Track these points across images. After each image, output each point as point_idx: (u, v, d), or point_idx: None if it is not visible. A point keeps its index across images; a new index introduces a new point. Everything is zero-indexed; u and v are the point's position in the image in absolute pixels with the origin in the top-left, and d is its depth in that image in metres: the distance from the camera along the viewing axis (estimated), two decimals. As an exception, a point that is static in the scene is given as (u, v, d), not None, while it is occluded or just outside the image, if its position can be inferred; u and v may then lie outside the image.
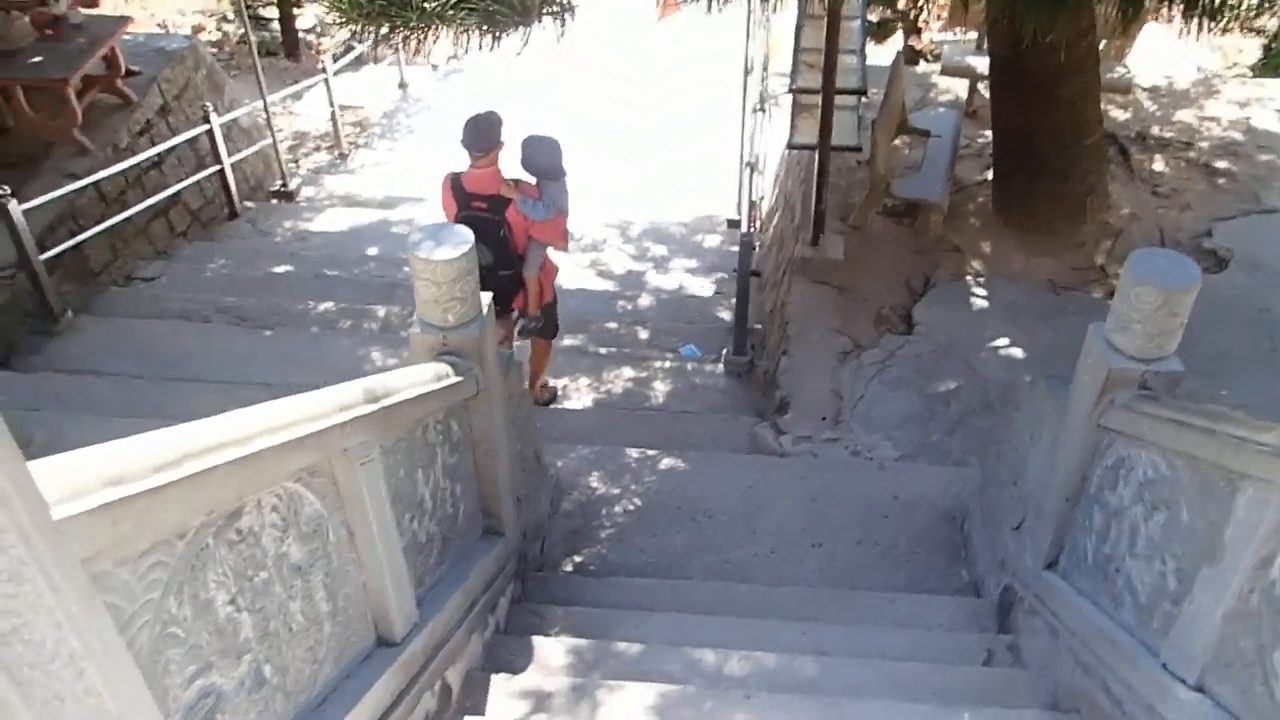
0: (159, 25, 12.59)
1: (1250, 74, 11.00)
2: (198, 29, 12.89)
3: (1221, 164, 7.37)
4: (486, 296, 3.22)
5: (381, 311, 6.84)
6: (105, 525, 1.27)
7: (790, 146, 6.81)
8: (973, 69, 7.88)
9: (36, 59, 7.12)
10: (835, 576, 4.54)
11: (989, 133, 7.24)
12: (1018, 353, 5.92)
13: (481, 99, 5.15)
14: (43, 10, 7.36)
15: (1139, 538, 2.96)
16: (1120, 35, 8.00)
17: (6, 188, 5.86)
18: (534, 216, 4.98)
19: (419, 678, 2.62)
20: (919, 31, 12.84)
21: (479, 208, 4.96)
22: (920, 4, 10.68)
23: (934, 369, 5.80)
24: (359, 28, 4.58)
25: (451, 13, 4.34)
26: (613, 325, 7.12)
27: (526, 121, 5.40)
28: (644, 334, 7.06)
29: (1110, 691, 2.98)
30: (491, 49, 4.34)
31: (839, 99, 5.93)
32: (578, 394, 6.27)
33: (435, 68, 12.91)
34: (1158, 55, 8.95)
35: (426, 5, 4.35)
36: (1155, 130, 7.81)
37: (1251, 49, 12.11)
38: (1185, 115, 8.05)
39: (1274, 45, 10.88)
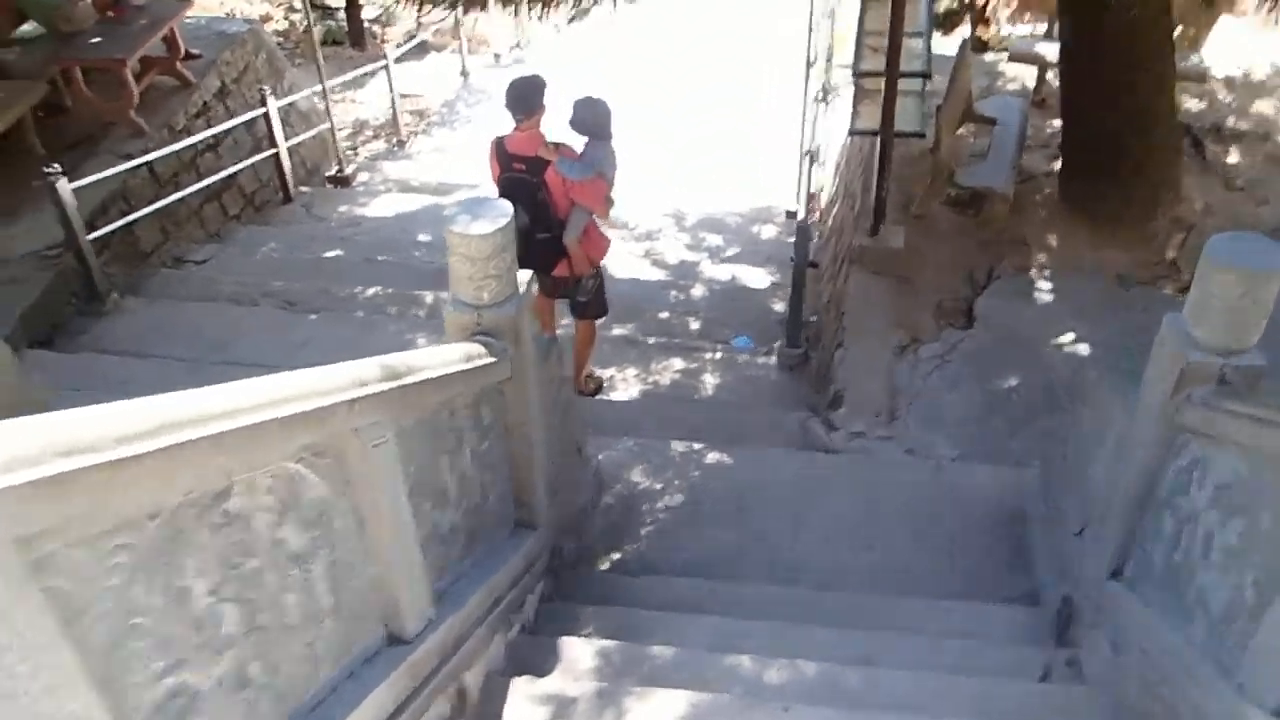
0: (226, 15, 12.73)
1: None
2: (265, 18, 13.00)
3: (1299, 157, 7.09)
4: (525, 274, 3.09)
5: (429, 298, 6.78)
6: (50, 501, 1.15)
7: (852, 132, 6.62)
8: (1042, 56, 7.67)
9: (96, 40, 7.17)
10: (886, 581, 4.37)
11: (1057, 122, 7.07)
12: (1084, 349, 5.70)
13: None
14: (107, -9, 7.42)
15: (1214, 546, 2.77)
16: (1199, 21, 7.68)
17: (56, 165, 5.88)
18: (571, 177, 4.97)
19: (431, 680, 2.48)
20: (987, 22, 12.53)
21: (519, 169, 5.03)
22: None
23: (995, 365, 5.60)
24: (418, 4, 4.54)
25: None
26: (664, 315, 7.01)
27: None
28: (695, 324, 6.94)
29: (1178, 714, 2.78)
30: (541, 18, 4.25)
31: (902, 84, 5.74)
32: (625, 385, 6.15)
33: (498, 57, 12.86)
34: (1233, 48, 8.59)
35: None
36: (1231, 121, 7.56)
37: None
38: (1263, 106, 7.79)
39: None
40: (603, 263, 5.54)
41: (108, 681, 1.34)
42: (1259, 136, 7.35)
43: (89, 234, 6.25)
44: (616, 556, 4.52)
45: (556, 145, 5.02)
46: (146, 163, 6.96)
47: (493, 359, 2.85)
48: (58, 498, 1.16)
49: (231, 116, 8.07)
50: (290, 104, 8.89)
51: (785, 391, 6.13)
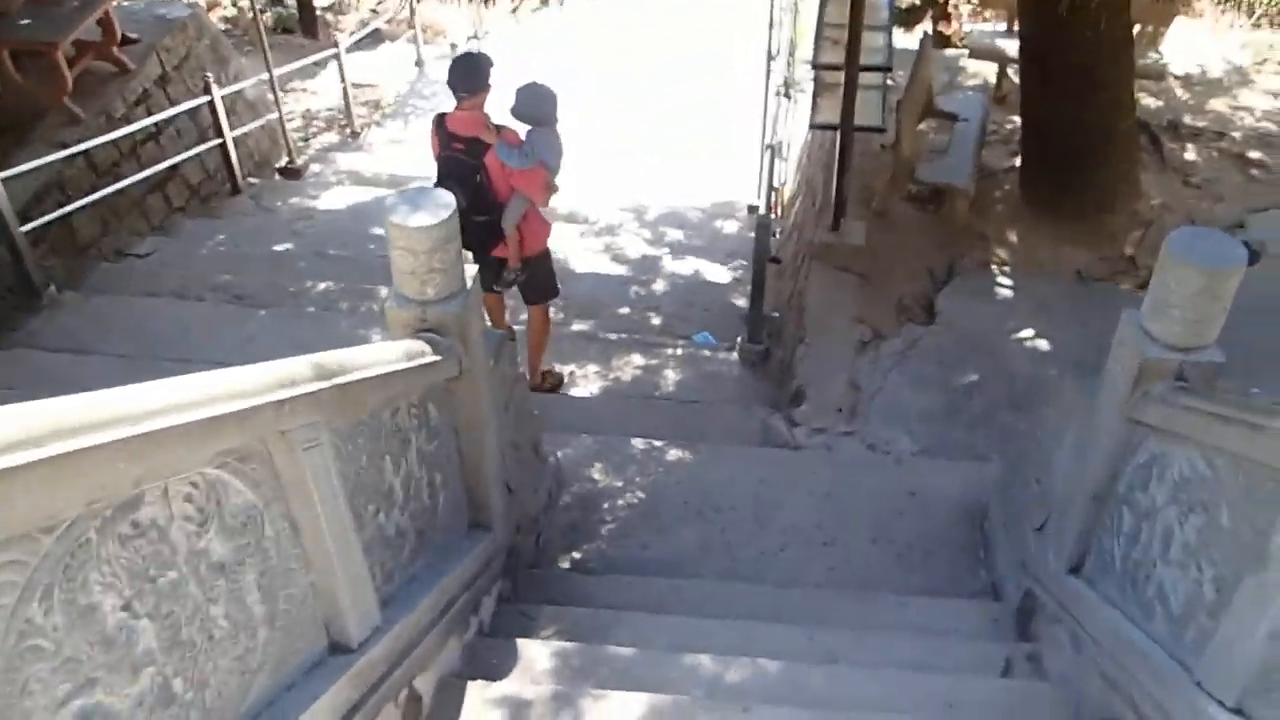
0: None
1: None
2: (213, 4, 12.70)
3: (1256, 154, 7.19)
4: (471, 269, 2.99)
5: (384, 293, 6.57)
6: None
7: (812, 126, 6.57)
8: (1002, 52, 7.67)
9: (25, 22, 6.89)
10: (848, 577, 4.34)
11: (1017, 118, 7.08)
12: (1044, 345, 5.72)
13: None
14: (33, -29, 7.12)
15: (1173, 542, 2.75)
16: (1157, 19, 7.72)
17: (-17, 155, 5.66)
18: (510, 164, 4.86)
19: (379, 687, 2.37)
20: (948, 17, 12.54)
21: (458, 149, 4.93)
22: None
23: (956, 360, 5.60)
24: None
25: None
26: (625, 311, 6.93)
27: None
28: (657, 320, 6.86)
29: (1139, 710, 2.77)
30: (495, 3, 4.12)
31: (863, 78, 5.70)
32: (585, 381, 6.05)
33: (454, 47, 12.66)
34: (1188, 49, 8.68)
35: None
36: (1188, 119, 7.63)
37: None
38: (1219, 104, 7.87)
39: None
40: (551, 245, 5.43)
41: (4, 709, 1.22)
42: (1215, 134, 7.41)
43: (23, 225, 6.02)
44: (576, 555, 4.45)
45: (499, 128, 4.90)
46: (83, 151, 6.72)
47: (438, 357, 2.74)
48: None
49: (174, 105, 7.82)
50: (237, 92, 8.66)
51: (747, 388, 6.07)
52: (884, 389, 5.44)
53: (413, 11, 11.95)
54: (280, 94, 8.92)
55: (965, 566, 4.37)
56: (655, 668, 3.27)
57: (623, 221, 8.64)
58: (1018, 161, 6.89)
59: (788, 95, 7.75)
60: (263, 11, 11.41)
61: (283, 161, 9.27)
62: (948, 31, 11.97)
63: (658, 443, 5.03)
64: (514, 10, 13.72)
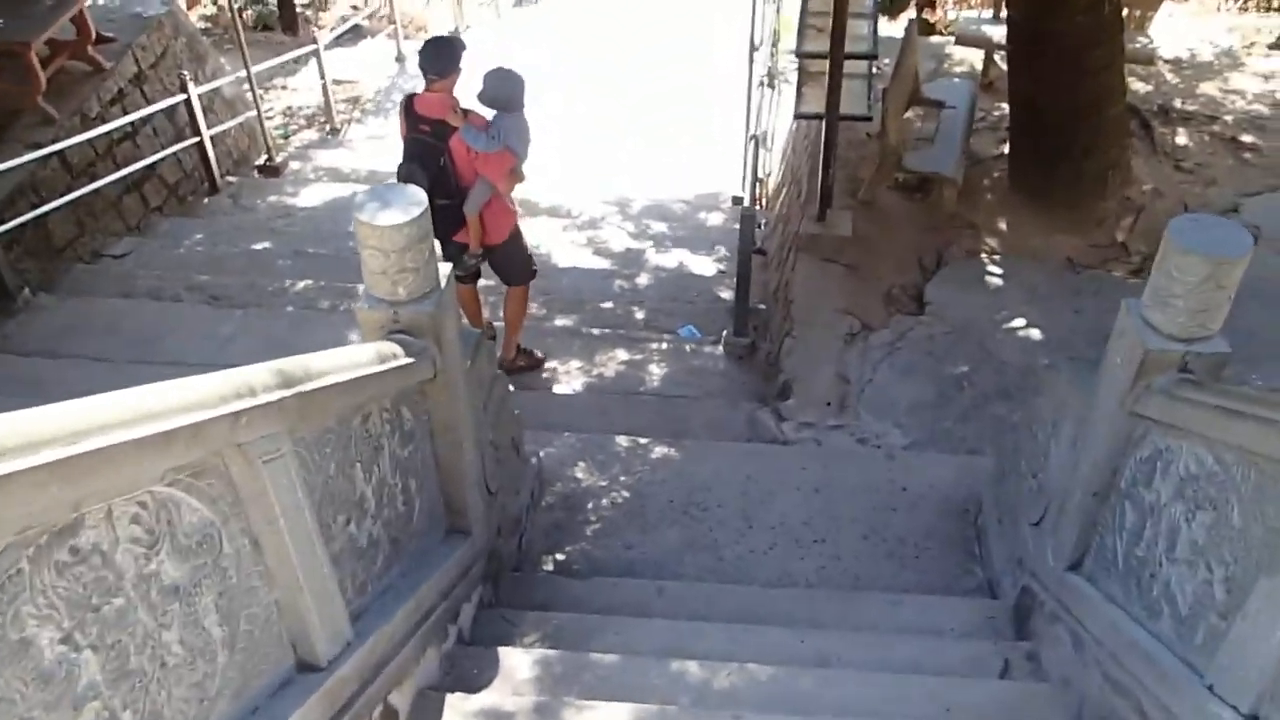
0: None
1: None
2: (193, 2, 12.53)
3: (1248, 138, 7.13)
4: (445, 267, 2.88)
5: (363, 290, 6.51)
6: None
7: (797, 116, 6.49)
8: (989, 38, 7.57)
9: (-2, 21, 6.78)
10: (839, 575, 4.25)
11: (1005, 105, 6.99)
12: (1035, 334, 5.65)
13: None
14: (4, -30, 7.01)
15: (1179, 540, 2.66)
16: (1145, 3, 7.64)
17: (-46, 158, 5.55)
18: (475, 147, 4.85)
19: (352, 705, 2.27)
20: (933, 4, 12.47)
21: (424, 131, 4.91)
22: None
23: (946, 351, 5.52)
24: None
25: None
26: (608, 305, 6.83)
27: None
28: (641, 314, 6.76)
29: (1145, 713, 2.68)
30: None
31: (849, 66, 5.62)
32: (568, 377, 5.96)
33: (434, 42, 12.55)
34: (1176, 33, 8.62)
35: None
36: (1179, 103, 7.56)
37: (1269, 29, 11.80)
38: (1209, 88, 7.80)
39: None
40: (520, 225, 5.39)
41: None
42: (1206, 118, 7.34)
43: (-5, 227, 5.92)
44: (560, 557, 4.36)
45: (466, 112, 4.88)
46: (57, 152, 6.63)
47: (411, 359, 2.63)
48: None
49: (150, 104, 7.72)
50: (215, 90, 8.54)
51: (733, 382, 5.98)
52: (873, 381, 5.37)
53: (393, 6, 11.82)
54: (260, 91, 8.82)
55: (959, 563, 4.29)
56: (641, 674, 3.18)
57: (606, 214, 8.54)
58: (1006, 148, 6.81)
59: (771, 85, 7.65)
60: (242, 9, 11.28)
61: (261, 159, 9.15)
62: (933, 19, 11.91)
63: (643, 440, 4.96)
64: (493, 2, 13.58)
